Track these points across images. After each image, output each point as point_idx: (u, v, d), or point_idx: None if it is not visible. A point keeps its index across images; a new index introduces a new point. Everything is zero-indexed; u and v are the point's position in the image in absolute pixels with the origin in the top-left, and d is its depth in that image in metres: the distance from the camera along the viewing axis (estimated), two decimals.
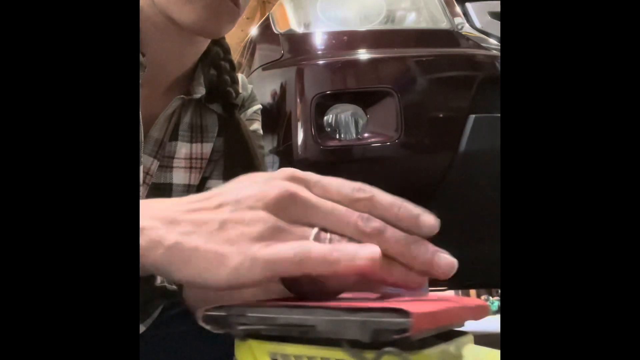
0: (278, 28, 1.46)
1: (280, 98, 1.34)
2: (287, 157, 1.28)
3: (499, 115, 1.18)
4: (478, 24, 1.38)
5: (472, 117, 1.24)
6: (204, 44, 0.62)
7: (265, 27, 1.53)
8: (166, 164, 0.63)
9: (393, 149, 1.24)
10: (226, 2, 0.53)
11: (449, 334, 0.28)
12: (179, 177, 0.64)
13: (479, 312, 0.31)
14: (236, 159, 0.65)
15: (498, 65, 1.29)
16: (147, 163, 0.61)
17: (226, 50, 0.67)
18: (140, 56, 0.56)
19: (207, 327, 0.28)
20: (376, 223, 0.31)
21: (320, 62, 1.35)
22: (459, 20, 1.38)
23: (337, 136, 1.27)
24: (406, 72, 1.30)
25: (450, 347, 0.26)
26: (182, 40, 0.59)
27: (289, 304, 0.27)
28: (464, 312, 0.29)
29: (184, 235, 0.29)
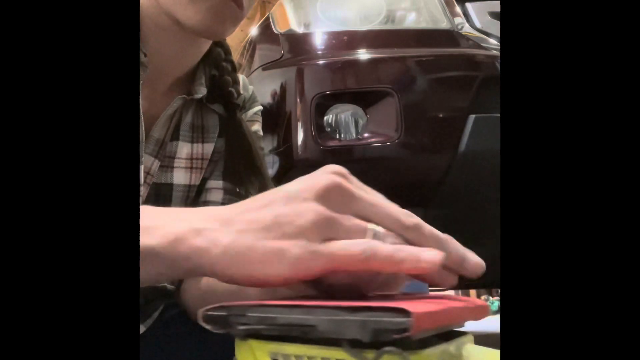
0: (278, 28, 1.46)
1: (280, 98, 1.34)
2: (287, 157, 1.28)
3: (499, 115, 1.18)
4: (478, 24, 1.38)
5: (472, 117, 1.24)
6: (206, 44, 0.63)
7: (265, 27, 1.53)
8: (167, 164, 0.63)
9: (393, 149, 1.24)
10: (230, 4, 0.54)
11: (449, 334, 0.28)
12: (180, 177, 0.64)
13: (479, 312, 0.31)
14: (237, 159, 0.65)
15: (498, 65, 1.29)
16: (148, 163, 0.61)
17: (227, 51, 0.67)
18: (142, 56, 0.56)
19: (208, 327, 0.28)
20: (416, 219, 0.32)
21: (320, 62, 1.35)
22: (459, 20, 1.38)
23: (337, 136, 1.27)
24: (406, 72, 1.30)
25: (450, 347, 0.26)
26: (184, 41, 0.59)
27: (289, 303, 0.27)
28: (464, 312, 0.29)
29: (239, 233, 0.30)
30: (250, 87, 0.72)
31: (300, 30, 1.42)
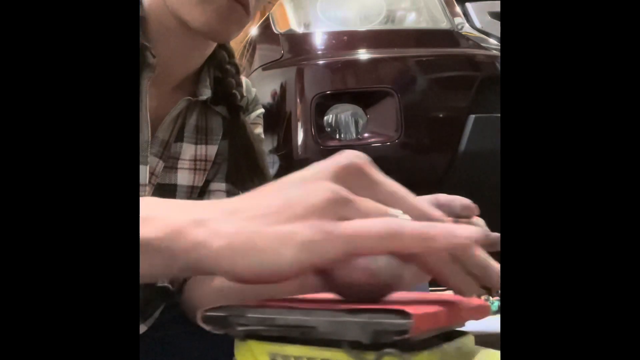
0: (278, 28, 1.46)
1: (280, 98, 1.34)
2: (287, 157, 1.28)
3: (499, 115, 1.18)
4: (478, 24, 1.38)
5: (472, 117, 1.24)
6: (211, 47, 0.63)
7: (265, 27, 1.53)
8: (171, 165, 0.64)
9: (393, 149, 1.24)
10: (237, 7, 0.54)
11: (450, 334, 0.28)
12: (184, 178, 0.65)
13: (479, 312, 0.31)
14: (240, 161, 0.66)
15: (498, 65, 1.29)
16: (152, 163, 0.61)
17: (231, 54, 0.68)
18: (150, 57, 0.56)
19: (207, 328, 0.27)
20: (440, 212, 0.30)
21: (320, 62, 1.35)
22: (459, 20, 1.38)
23: (337, 136, 1.27)
24: (406, 72, 1.30)
25: (450, 347, 0.26)
26: (190, 43, 0.59)
27: (289, 304, 0.27)
28: (465, 312, 0.29)
29: (246, 221, 0.27)
30: (253, 90, 0.73)
31: (300, 30, 1.42)
